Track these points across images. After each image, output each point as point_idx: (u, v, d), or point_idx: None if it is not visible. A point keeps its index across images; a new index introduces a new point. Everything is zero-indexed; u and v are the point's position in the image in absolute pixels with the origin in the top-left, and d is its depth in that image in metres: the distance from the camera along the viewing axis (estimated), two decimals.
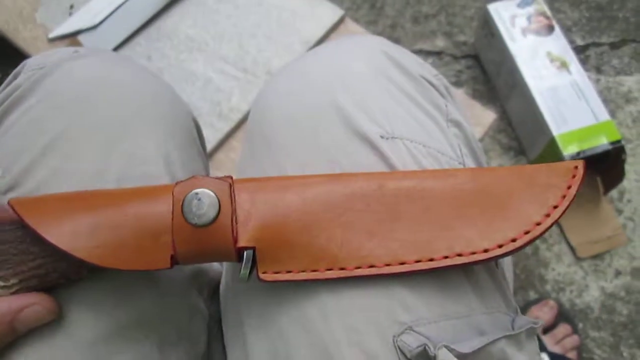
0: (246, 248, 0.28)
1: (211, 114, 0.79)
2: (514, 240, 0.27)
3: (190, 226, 0.27)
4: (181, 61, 0.82)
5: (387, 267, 0.28)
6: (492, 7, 0.93)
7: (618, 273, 0.87)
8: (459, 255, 0.27)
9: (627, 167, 0.87)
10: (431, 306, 0.29)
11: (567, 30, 1.02)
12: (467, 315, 0.29)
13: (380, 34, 1.03)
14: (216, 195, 0.28)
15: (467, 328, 0.29)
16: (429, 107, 0.37)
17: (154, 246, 0.27)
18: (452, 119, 0.38)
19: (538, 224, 0.27)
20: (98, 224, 0.27)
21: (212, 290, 0.39)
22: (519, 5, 0.93)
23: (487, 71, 0.99)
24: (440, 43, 1.03)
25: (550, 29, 0.91)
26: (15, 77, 0.37)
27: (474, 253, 0.27)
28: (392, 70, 0.37)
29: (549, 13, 0.92)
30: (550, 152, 0.85)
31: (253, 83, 0.80)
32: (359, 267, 0.28)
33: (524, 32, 0.91)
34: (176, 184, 0.28)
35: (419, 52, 1.02)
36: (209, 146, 0.77)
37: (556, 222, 0.27)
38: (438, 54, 1.02)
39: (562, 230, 0.90)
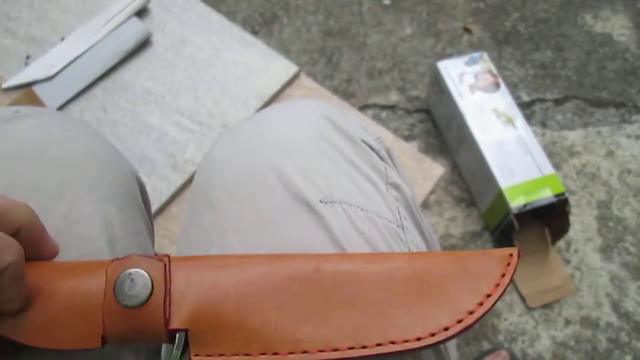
0: (178, 330, 0.28)
1: (165, 165, 0.79)
2: (446, 329, 0.27)
3: (121, 307, 0.27)
4: (137, 113, 0.83)
5: (320, 354, 0.27)
6: (441, 65, 0.97)
7: (568, 322, 0.89)
8: (392, 343, 0.27)
9: (572, 218, 0.91)
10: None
11: (513, 87, 1.07)
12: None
13: (336, 88, 1.06)
14: (150, 276, 0.28)
15: None
16: (369, 170, 0.38)
17: (84, 325, 0.27)
18: (391, 182, 0.39)
19: (471, 312, 0.27)
20: (26, 300, 0.27)
21: (151, 353, 0.39)
22: (467, 63, 0.97)
23: (438, 125, 1.03)
24: (394, 97, 1.07)
25: (496, 86, 0.95)
26: None
27: (406, 341, 0.27)
28: (333, 135, 0.39)
29: (495, 71, 0.97)
30: (499, 204, 0.88)
31: (208, 136, 0.81)
32: (292, 353, 0.27)
33: (472, 88, 0.95)
34: (112, 261, 0.28)
35: (373, 106, 1.05)
36: (163, 198, 0.77)
37: (489, 311, 0.28)
38: (392, 107, 1.05)
39: (512, 280, 0.92)
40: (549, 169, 0.88)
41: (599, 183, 0.99)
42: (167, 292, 0.28)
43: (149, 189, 0.63)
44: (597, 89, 1.08)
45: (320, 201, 0.34)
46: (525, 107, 1.06)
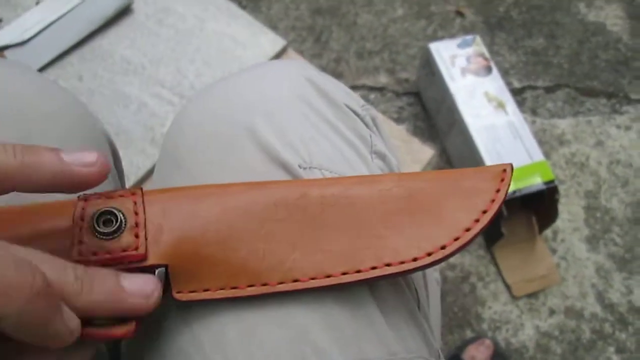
0: (157, 266, 0.25)
1: (144, 139, 0.75)
2: (443, 248, 0.26)
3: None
4: (115, 83, 0.79)
5: (312, 281, 0.25)
6: (433, 47, 0.95)
7: (552, 312, 0.88)
8: (388, 265, 0.26)
9: (560, 207, 0.89)
10: (347, 348, 0.26)
11: (504, 73, 1.05)
12: None
13: (324, 67, 1.03)
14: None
15: None
16: (352, 136, 0.35)
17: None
18: (376, 151, 0.36)
19: (467, 229, 0.26)
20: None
21: None
22: (459, 46, 0.95)
23: (427, 108, 1.01)
24: (383, 79, 1.04)
25: (488, 70, 0.93)
26: None
27: (402, 262, 0.26)
28: (314, 97, 0.36)
29: (487, 55, 0.94)
30: None
31: None
32: (282, 282, 0.25)
33: (463, 72, 0.93)
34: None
35: (362, 87, 1.02)
36: (140, 173, 0.74)
37: (485, 227, 0.26)
38: (380, 89, 1.03)
39: (498, 269, 0.90)
40: (539, 156, 0.86)
41: (588, 173, 0.98)
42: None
43: (125, 163, 0.60)
44: (588, 78, 1.07)
45: (299, 166, 0.32)
46: (516, 94, 1.04)
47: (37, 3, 0.83)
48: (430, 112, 1.00)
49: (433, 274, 0.43)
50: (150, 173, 0.74)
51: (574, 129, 1.02)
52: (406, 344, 0.28)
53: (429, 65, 0.96)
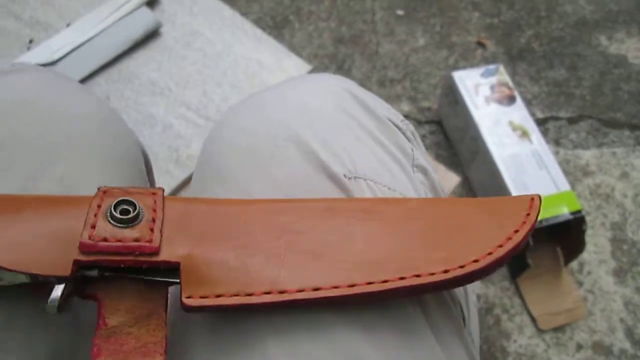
0: (169, 263, 0.24)
1: (168, 160, 0.75)
2: (476, 261, 0.25)
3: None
4: (141, 104, 0.79)
5: (334, 290, 0.24)
6: (456, 75, 0.95)
7: (579, 347, 0.85)
8: (417, 276, 0.24)
9: (586, 238, 0.87)
10: None
11: (527, 104, 1.05)
12: None
13: None
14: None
15: None
16: (394, 149, 0.35)
17: (58, 251, 0.23)
18: (417, 164, 0.36)
19: (500, 246, 0.25)
20: None
21: None
22: (483, 75, 0.95)
23: (450, 137, 1.00)
24: (404, 107, 1.04)
25: (512, 99, 0.93)
26: None
27: (432, 274, 0.24)
28: (356, 109, 0.35)
29: (511, 84, 0.94)
30: None
31: None
32: (302, 290, 0.24)
33: (487, 100, 0.93)
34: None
35: None
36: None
37: (518, 247, 0.25)
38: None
39: (523, 301, 0.88)
40: (565, 186, 0.85)
41: (613, 204, 0.96)
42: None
43: None
44: (611, 110, 1.06)
45: (344, 176, 0.31)
46: (539, 124, 1.03)
47: (68, 25, 0.84)
48: (452, 141, 0.99)
49: (471, 295, 0.41)
50: (174, 193, 0.74)
51: (598, 160, 1.00)
52: None
53: (452, 94, 0.96)
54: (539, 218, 0.82)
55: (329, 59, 1.07)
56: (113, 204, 0.24)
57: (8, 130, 0.30)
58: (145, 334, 0.22)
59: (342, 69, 1.07)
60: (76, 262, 0.23)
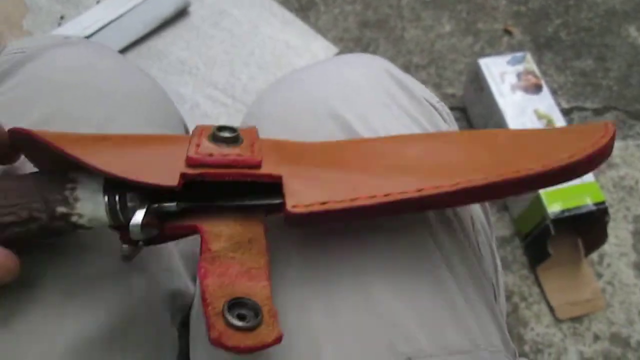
0: (271, 177, 0.24)
1: None
2: (571, 157, 0.25)
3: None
4: (169, 82, 0.80)
5: (438, 188, 0.25)
6: (482, 62, 0.94)
7: (597, 338, 0.85)
8: (516, 172, 0.25)
9: (608, 230, 0.87)
10: (433, 335, 0.26)
11: (552, 93, 1.04)
12: (469, 351, 0.26)
13: None
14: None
15: None
16: (431, 128, 0.35)
17: (167, 164, 0.24)
18: None
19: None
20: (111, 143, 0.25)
21: (184, 317, 0.35)
22: (509, 63, 0.94)
23: (474, 124, 1.00)
24: None
25: (538, 88, 0.92)
26: None
27: (531, 169, 0.25)
28: (394, 89, 0.36)
29: (537, 72, 0.93)
30: (535, 209, 0.84)
31: (241, 111, 0.78)
32: (404, 192, 0.24)
33: (513, 88, 0.92)
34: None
35: None
36: None
37: (606, 149, 0.26)
38: None
39: (542, 290, 0.88)
40: (589, 176, 0.85)
41: (637, 197, 0.96)
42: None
43: None
44: (638, 102, 1.05)
45: None
46: (564, 115, 1.02)
47: (98, 2, 0.85)
48: (476, 128, 0.99)
49: (501, 278, 0.42)
50: None
51: (623, 153, 0.99)
52: (488, 337, 0.28)
53: (477, 81, 0.95)
54: (562, 208, 0.81)
55: (353, 43, 1.07)
56: (216, 127, 0.25)
57: (56, 108, 0.31)
58: (249, 259, 0.22)
59: (367, 53, 1.06)
60: (183, 175, 0.23)
